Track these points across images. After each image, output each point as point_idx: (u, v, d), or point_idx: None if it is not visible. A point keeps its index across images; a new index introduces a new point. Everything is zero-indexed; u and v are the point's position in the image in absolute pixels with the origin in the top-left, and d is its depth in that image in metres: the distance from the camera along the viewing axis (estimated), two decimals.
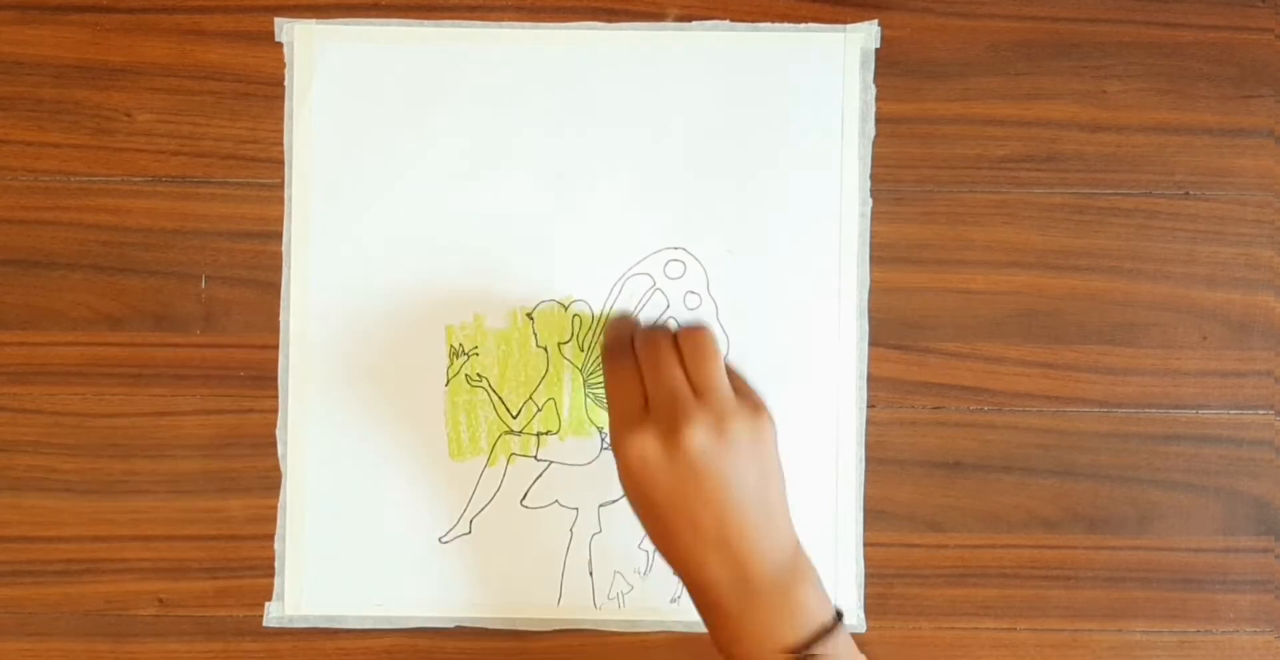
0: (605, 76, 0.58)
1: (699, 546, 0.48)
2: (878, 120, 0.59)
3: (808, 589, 0.49)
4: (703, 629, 0.58)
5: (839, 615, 0.49)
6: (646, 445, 0.47)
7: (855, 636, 0.58)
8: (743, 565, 0.48)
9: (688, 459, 0.47)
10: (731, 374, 0.50)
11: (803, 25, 0.58)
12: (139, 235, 0.58)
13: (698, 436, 0.47)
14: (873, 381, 0.58)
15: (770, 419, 0.49)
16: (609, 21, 0.58)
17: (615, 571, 0.58)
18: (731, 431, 0.48)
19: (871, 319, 0.58)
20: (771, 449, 0.49)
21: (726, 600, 0.48)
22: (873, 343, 0.58)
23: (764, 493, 0.49)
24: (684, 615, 0.58)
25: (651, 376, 0.49)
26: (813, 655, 0.47)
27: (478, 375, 0.58)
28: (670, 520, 0.48)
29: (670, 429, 0.47)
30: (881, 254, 0.58)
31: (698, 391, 0.48)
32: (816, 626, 0.48)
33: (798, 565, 0.49)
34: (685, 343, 0.50)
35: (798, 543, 0.50)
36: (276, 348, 0.58)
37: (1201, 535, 0.59)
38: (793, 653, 0.47)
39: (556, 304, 0.58)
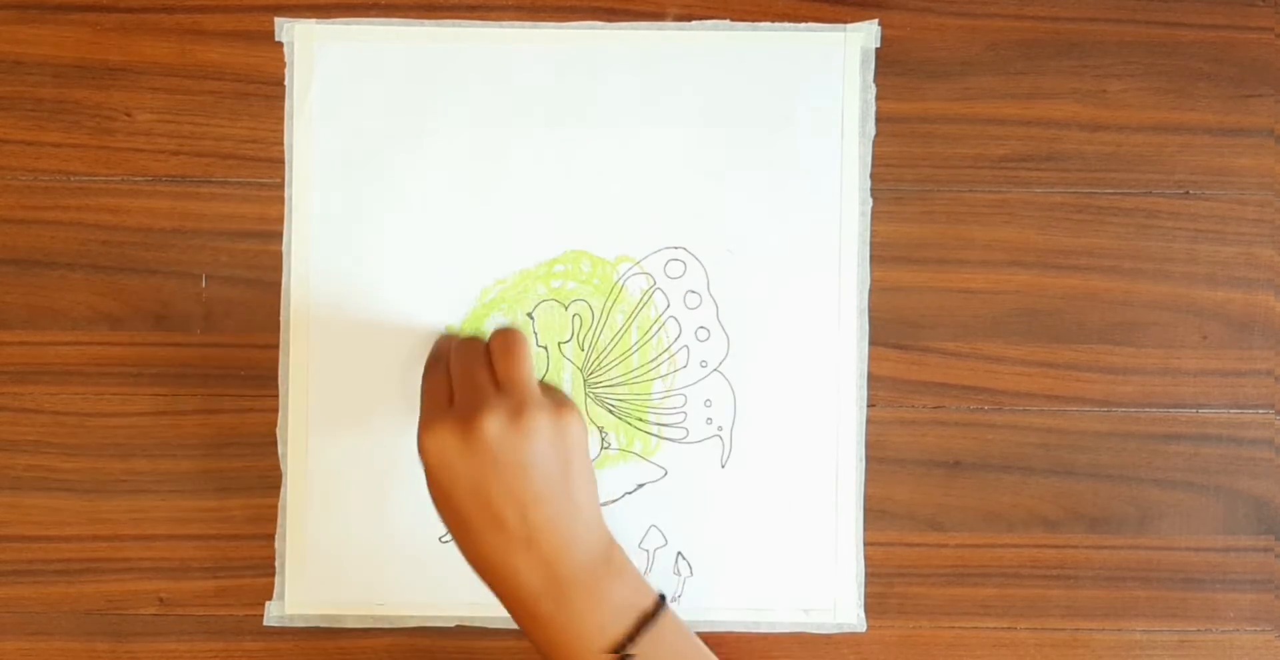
0: (605, 76, 0.58)
1: (505, 548, 0.46)
2: (878, 120, 0.59)
3: (622, 581, 0.47)
4: (704, 628, 0.58)
5: (661, 599, 0.48)
6: (445, 438, 0.46)
7: (855, 636, 0.58)
8: (551, 564, 0.46)
9: (485, 448, 0.46)
10: (545, 384, 0.50)
11: (803, 25, 0.58)
12: (139, 235, 0.58)
13: (494, 424, 0.46)
14: (873, 381, 0.58)
15: (578, 418, 0.48)
16: (609, 21, 0.58)
17: None
18: (530, 421, 0.46)
19: (871, 318, 0.58)
20: (577, 445, 0.48)
21: (539, 604, 0.47)
22: (873, 342, 0.58)
23: (568, 487, 0.47)
24: (684, 615, 0.57)
25: (457, 375, 0.49)
26: (630, 655, 0.46)
27: None
28: (474, 519, 0.46)
29: (466, 420, 0.46)
30: (881, 253, 0.58)
31: (500, 386, 0.48)
32: (636, 616, 0.47)
33: (611, 558, 0.48)
34: (494, 341, 0.50)
35: (610, 539, 0.49)
36: (276, 348, 0.58)
37: (1201, 534, 0.59)
38: (615, 650, 0.46)
39: (556, 303, 0.58)
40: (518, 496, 0.46)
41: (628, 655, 0.46)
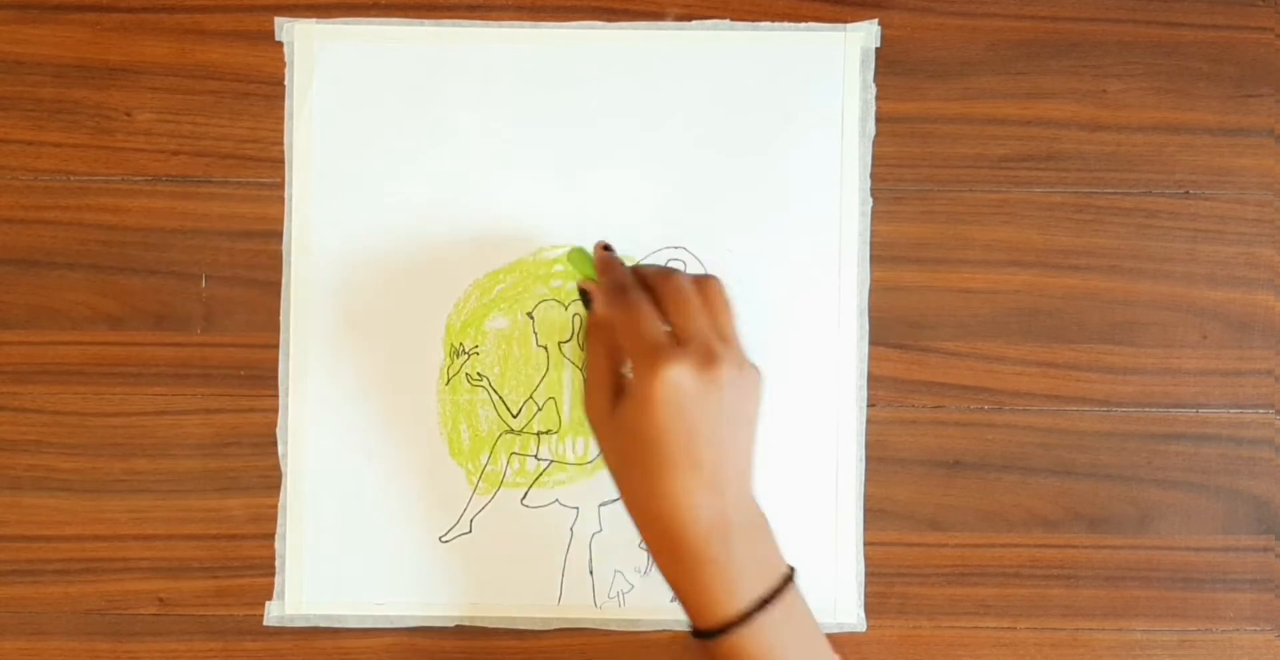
0: (605, 76, 0.58)
1: (694, 486, 0.48)
2: (878, 120, 0.59)
3: (770, 541, 0.50)
4: None
5: (792, 569, 0.50)
6: (684, 374, 0.47)
7: (855, 636, 0.58)
8: (728, 510, 0.48)
9: (717, 391, 0.48)
10: None
11: (803, 24, 0.59)
12: (139, 235, 0.58)
13: (729, 372, 0.48)
14: (873, 381, 0.58)
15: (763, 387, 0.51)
16: (609, 21, 0.58)
17: (615, 570, 0.58)
18: (750, 378, 0.50)
19: (871, 318, 0.58)
20: (760, 412, 0.51)
21: (710, 545, 0.48)
22: (873, 342, 0.58)
23: (751, 444, 0.50)
24: (685, 614, 0.57)
25: (680, 314, 0.50)
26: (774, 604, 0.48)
27: (478, 374, 0.58)
28: (674, 458, 0.48)
29: (706, 361, 0.48)
30: (881, 253, 0.59)
31: (720, 338, 0.50)
32: (780, 577, 0.49)
33: (764, 519, 0.50)
34: (705, 292, 0.51)
35: (761, 509, 0.50)
36: (276, 347, 0.58)
37: (1201, 534, 0.59)
38: (763, 602, 0.48)
39: (557, 303, 0.58)
40: (721, 446, 0.48)
41: (773, 605, 0.48)
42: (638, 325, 0.49)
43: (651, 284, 0.51)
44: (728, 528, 0.48)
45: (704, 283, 0.51)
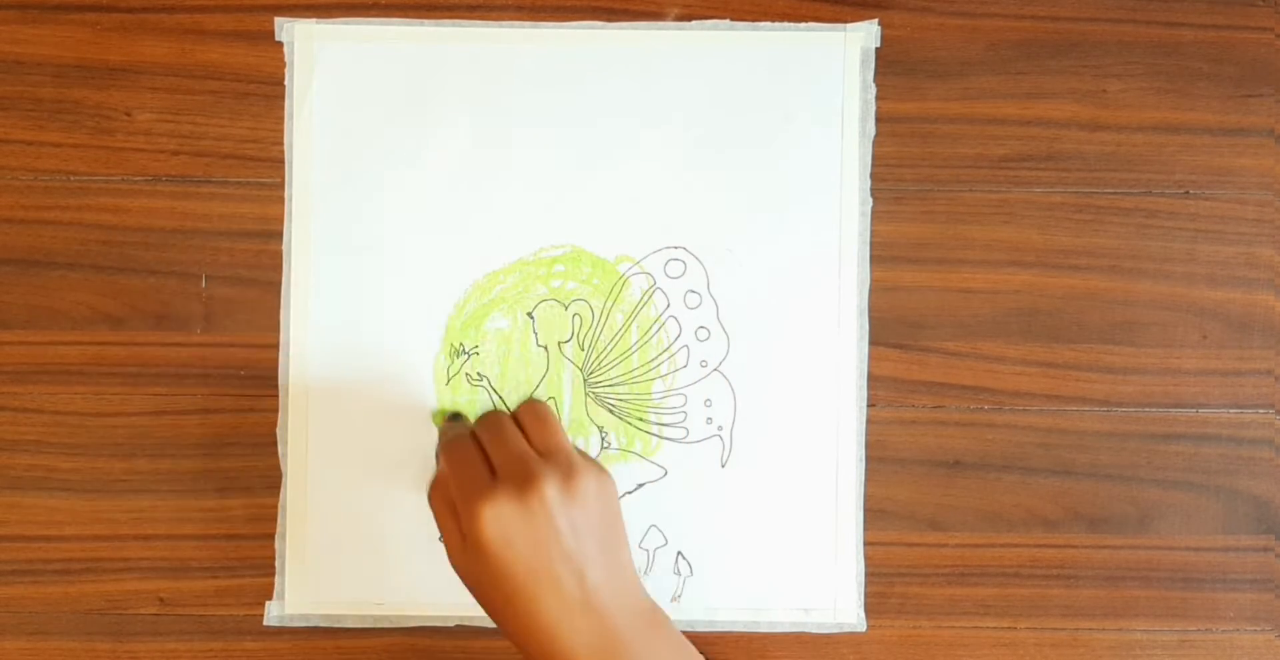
0: (605, 76, 0.58)
1: (562, 611, 0.46)
2: (878, 120, 0.59)
3: (668, 641, 0.48)
4: (703, 627, 0.58)
5: None
6: (502, 508, 0.47)
7: (855, 636, 0.58)
8: (606, 626, 0.47)
9: (544, 512, 0.47)
10: (576, 448, 0.52)
11: (803, 24, 0.59)
12: (139, 235, 0.58)
13: (550, 488, 0.47)
14: (873, 381, 0.58)
15: (612, 479, 0.51)
16: (609, 21, 0.58)
17: None
18: (581, 484, 0.48)
19: (871, 318, 0.58)
20: (617, 507, 0.50)
21: None
22: (873, 342, 0.58)
23: (615, 549, 0.49)
24: (683, 614, 0.58)
25: (494, 446, 0.50)
26: None
27: (478, 374, 0.58)
28: (531, 588, 0.47)
29: (522, 487, 0.47)
30: (881, 253, 0.58)
31: (541, 453, 0.50)
32: None
33: (655, 616, 0.49)
34: (524, 414, 0.52)
35: (649, 596, 0.49)
36: (276, 348, 0.58)
37: (1201, 534, 0.59)
38: None
39: (557, 303, 0.58)
40: (575, 559, 0.47)
41: None
42: (459, 471, 0.50)
43: (474, 427, 0.51)
44: (613, 645, 0.46)
45: (523, 407, 0.52)
